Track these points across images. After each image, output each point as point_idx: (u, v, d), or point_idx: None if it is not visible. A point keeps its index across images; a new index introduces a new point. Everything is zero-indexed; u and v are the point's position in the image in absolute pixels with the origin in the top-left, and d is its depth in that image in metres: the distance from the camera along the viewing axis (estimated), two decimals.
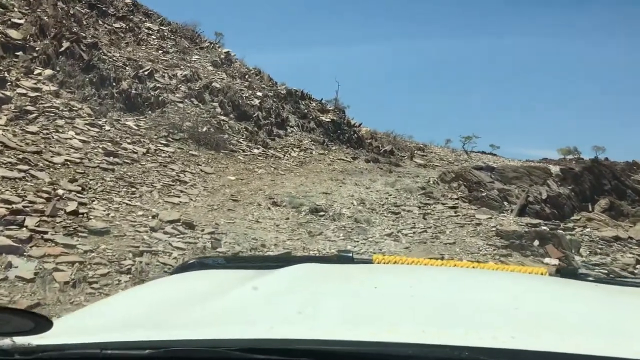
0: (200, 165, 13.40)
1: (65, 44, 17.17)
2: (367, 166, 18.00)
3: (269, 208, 10.62)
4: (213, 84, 20.14)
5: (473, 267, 1.99)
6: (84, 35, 18.66)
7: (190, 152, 14.28)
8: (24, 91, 14.32)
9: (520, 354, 1.01)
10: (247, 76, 23.20)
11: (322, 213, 10.60)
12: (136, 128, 14.90)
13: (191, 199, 10.22)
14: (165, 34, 24.66)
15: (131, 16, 22.87)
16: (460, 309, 1.32)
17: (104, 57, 18.19)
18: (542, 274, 1.90)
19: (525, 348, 1.02)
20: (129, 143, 13.37)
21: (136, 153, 12.84)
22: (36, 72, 15.71)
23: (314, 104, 21.63)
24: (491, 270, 2.09)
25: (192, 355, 1.04)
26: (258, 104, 19.44)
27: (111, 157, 11.84)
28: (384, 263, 1.96)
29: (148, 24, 24.52)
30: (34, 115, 13.24)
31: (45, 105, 14.00)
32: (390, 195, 12.65)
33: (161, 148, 13.80)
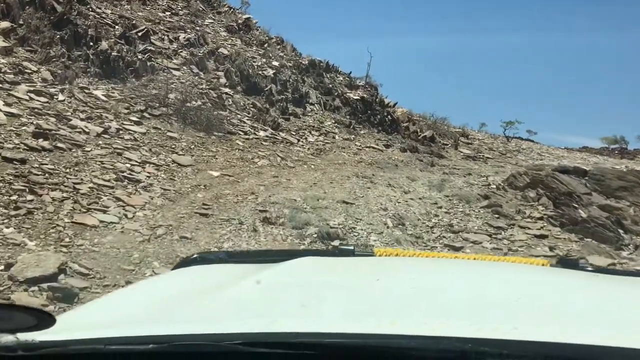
0: (176, 152, 9.14)
1: None
2: (403, 157, 13.58)
3: (255, 230, 6.37)
4: (220, 49, 15.80)
5: (474, 259, 1.94)
6: None
7: (169, 133, 10.03)
8: None
9: (523, 345, 0.95)
10: (266, 45, 18.76)
11: (337, 242, 6.30)
12: (104, 99, 10.70)
13: (126, 215, 6.02)
14: None
15: None
16: (462, 301, 1.24)
17: (87, 12, 13.94)
18: (543, 265, 1.82)
19: (527, 339, 0.97)
20: (82, 119, 9.18)
21: (87, 134, 8.65)
22: None
23: (341, 78, 17.17)
24: (493, 261, 1.91)
25: (196, 349, 0.97)
26: (272, 75, 15.05)
27: (40, 139, 7.67)
28: (386, 256, 1.84)
29: None
30: None
31: None
32: (440, 207, 8.26)
33: (127, 127, 9.58)
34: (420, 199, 8.62)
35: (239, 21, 20.20)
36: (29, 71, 10.68)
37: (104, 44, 12.95)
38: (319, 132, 13.72)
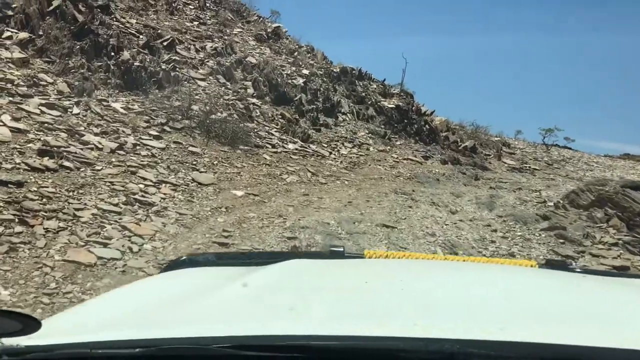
0: (197, 169, 8.19)
1: (56, 2, 12.28)
2: (445, 169, 12.42)
3: None
4: (248, 58, 14.92)
5: (464, 261, 1.92)
6: None
7: (191, 148, 9.10)
8: None
9: (510, 346, 0.95)
10: (295, 53, 17.84)
11: None
12: (123, 112, 9.85)
13: (131, 248, 5.05)
14: (207, 4, 19.38)
15: None
16: (450, 302, 1.23)
17: (110, 22, 13.20)
18: (531, 266, 1.80)
19: (514, 339, 0.97)
20: (96, 134, 8.31)
21: (100, 150, 7.78)
22: (5, 34, 10.90)
23: (375, 86, 16.10)
24: (481, 263, 1.91)
25: (184, 352, 0.96)
26: (302, 84, 14.07)
27: (45, 158, 6.81)
28: (376, 257, 1.81)
29: None
30: None
31: None
32: (495, 231, 7.10)
33: (145, 142, 8.69)
34: (470, 220, 7.47)
35: (268, 30, 19.36)
36: (44, 83, 9.91)
37: (126, 54, 12.16)
38: (352, 144, 12.66)
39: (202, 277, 1.59)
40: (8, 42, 10.64)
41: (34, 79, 9.74)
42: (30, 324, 0.91)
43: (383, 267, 1.70)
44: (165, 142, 9.03)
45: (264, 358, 0.94)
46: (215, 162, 8.86)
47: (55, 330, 1.07)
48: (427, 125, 15.14)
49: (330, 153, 11.62)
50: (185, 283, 1.54)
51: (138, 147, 8.44)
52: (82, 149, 7.74)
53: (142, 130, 9.17)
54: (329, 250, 1.87)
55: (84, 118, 8.89)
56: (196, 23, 17.23)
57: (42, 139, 7.48)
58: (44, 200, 5.62)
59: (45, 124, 8.05)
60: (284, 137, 11.52)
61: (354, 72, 16.08)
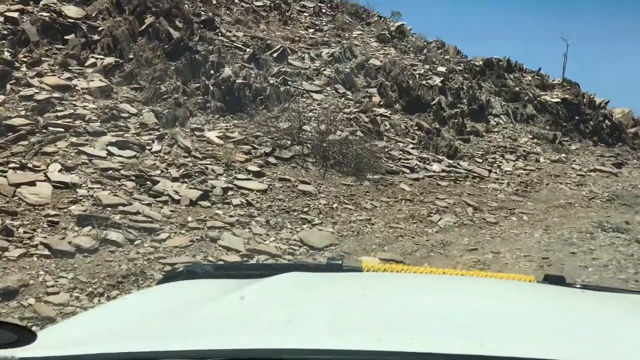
0: (309, 220, 5.42)
1: (149, 20, 10.27)
2: None
3: None
4: (370, 61, 12.02)
5: (462, 275, 1.78)
6: (196, 10, 11.70)
7: (302, 186, 6.37)
8: (35, 91, 7.57)
9: None
10: (425, 50, 14.64)
11: None
12: (219, 143, 7.39)
13: None
14: (323, 10, 16.77)
15: None
16: (448, 317, 1.18)
17: (213, 37, 10.97)
18: (530, 281, 1.70)
19: (512, 355, 0.93)
20: (175, 179, 5.87)
21: (175, 202, 5.29)
22: (89, 62, 8.99)
23: (529, 78, 12.45)
24: (480, 277, 1.80)
25: None
26: (439, 84, 10.87)
27: (86, 229, 4.39)
28: (374, 271, 1.70)
29: (303, 2, 16.79)
30: (20, 132, 6.37)
31: (61, 111, 7.11)
32: None
33: (241, 184, 6.12)
34: None
35: (391, 29, 16.37)
36: (126, 115, 7.74)
37: (227, 71, 9.79)
38: (515, 155, 9.24)
39: (198, 290, 1.48)
40: (89, 70, 8.67)
41: (113, 112, 7.60)
42: (26, 336, 0.87)
43: (381, 280, 1.59)
44: (268, 181, 6.37)
45: None
46: (334, 205, 6.03)
47: (50, 342, 1.02)
48: (606, 121, 11.21)
49: (490, 171, 8.34)
50: (182, 295, 1.44)
51: (230, 194, 5.85)
52: (149, 203, 5.27)
53: (239, 167, 6.59)
54: (327, 262, 1.76)
55: (165, 157, 6.50)
56: (311, 30, 14.66)
57: (93, 196, 5.11)
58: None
59: (109, 171, 5.73)
60: (425, 155, 8.43)
61: (501, 63, 12.55)
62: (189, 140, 7.39)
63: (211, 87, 9.36)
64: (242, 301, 1.24)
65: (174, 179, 5.95)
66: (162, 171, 6.08)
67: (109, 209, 4.94)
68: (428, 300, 1.33)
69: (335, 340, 0.99)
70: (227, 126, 8.41)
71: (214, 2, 13.08)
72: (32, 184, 5.12)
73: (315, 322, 1.12)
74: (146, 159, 6.36)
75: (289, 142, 7.70)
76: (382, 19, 17.81)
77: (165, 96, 8.94)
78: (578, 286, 1.69)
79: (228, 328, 1.12)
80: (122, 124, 7.39)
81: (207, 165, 6.48)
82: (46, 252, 4.00)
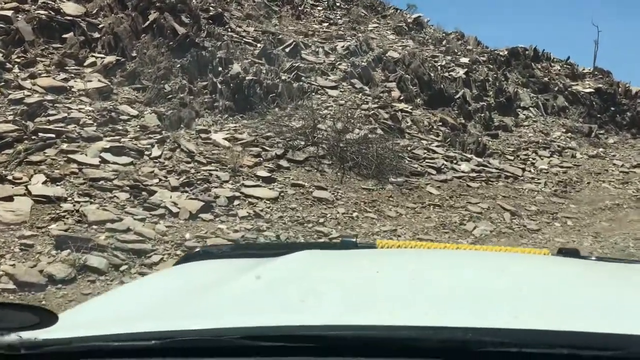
0: (326, 232, 4.62)
1: (153, 16, 9.57)
2: None
3: None
4: (388, 53, 11.20)
5: (475, 250, 1.83)
6: (205, 6, 10.99)
7: (317, 192, 5.61)
8: (27, 94, 6.90)
9: (524, 333, 0.88)
10: (444, 42, 13.76)
11: None
12: (226, 145, 6.65)
13: None
14: (337, 3, 15.95)
15: None
16: (462, 291, 1.14)
17: (221, 32, 10.24)
18: (544, 254, 1.65)
19: (527, 327, 0.89)
20: (174, 188, 5.14)
21: (174, 215, 4.56)
22: (88, 61, 8.32)
23: (558, 67, 11.52)
24: (493, 252, 1.77)
25: (198, 344, 0.92)
26: (463, 76, 10.01)
27: (64, 253, 3.65)
28: (388, 248, 1.69)
29: None
30: (5, 139, 5.70)
31: (54, 115, 6.43)
32: None
33: (249, 191, 5.39)
34: None
35: (408, 21, 15.50)
36: (126, 117, 7.04)
37: (236, 67, 9.05)
38: (549, 150, 8.36)
39: (214, 270, 1.47)
40: (88, 70, 7.99)
41: (112, 114, 6.90)
42: (48, 318, 0.87)
43: (395, 257, 1.57)
44: (279, 187, 5.61)
45: (277, 349, 0.88)
46: (354, 214, 5.24)
47: (71, 324, 1.00)
48: None
49: (524, 170, 7.47)
50: (198, 276, 1.43)
51: (236, 203, 5.11)
52: (143, 218, 4.55)
53: (248, 172, 5.84)
54: (341, 240, 1.73)
55: (165, 163, 5.77)
56: (325, 24, 13.86)
57: (80, 210, 4.40)
58: None
59: (100, 182, 5.02)
60: (451, 154, 7.60)
61: (527, 52, 11.62)
62: (193, 144, 6.66)
63: (219, 85, 8.63)
64: (257, 280, 1.24)
65: (174, 189, 5.22)
66: (160, 180, 5.35)
67: (95, 226, 4.22)
68: (442, 275, 1.30)
69: (350, 316, 0.98)
70: (235, 127, 7.67)
71: None
72: (9, 199, 4.42)
73: (331, 299, 1.11)
74: (144, 166, 5.64)
75: (302, 143, 6.93)
76: (398, 11, 16.93)
77: (169, 96, 8.23)
78: (593, 258, 1.65)
79: (244, 307, 1.10)
80: (120, 128, 6.69)
81: (212, 172, 5.74)
82: (10, 285, 3.28)
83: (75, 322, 1.05)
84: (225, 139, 6.99)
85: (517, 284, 1.22)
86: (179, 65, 8.87)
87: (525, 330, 0.88)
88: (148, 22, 9.50)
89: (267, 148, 6.75)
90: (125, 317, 1.09)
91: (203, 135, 7.02)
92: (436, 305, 1.04)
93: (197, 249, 1.84)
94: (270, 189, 5.58)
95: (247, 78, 8.85)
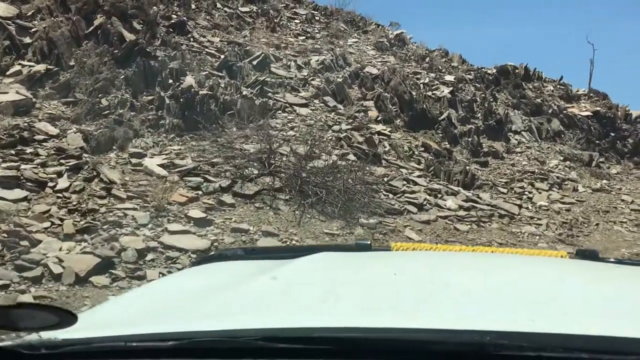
0: None
1: (99, 20, 8.18)
2: None
3: None
4: (366, 69, 9.92)
5: (492, 252, 1.76)
6: (167, 14, 9.65)
7: (261, 235, 4.14)
8: None
9: (542, 337, 0.85)
10: (427, 59, 12.53)
11: None
12: (158, 174, 5.24)
13: None
14: (317, 17, 14.68)
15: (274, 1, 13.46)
16: (479, 294, 1.12)
17: (179, 42, 8.88)
18: (562, 256, 1.64)
19: (545, 331, 0.87)
20: (66, 236, 3.68)
21: (44, 281, 3.08)
22: (13, 69, 6.92)
23: (551, 88, 10.31)
24: (511, 254, 1.75)
25: (215, 345, 0.91)
26: (448, 95, 8.74)
27: None
28: (403, 250, 1.68)
29: (295, 10, 14.70)
30: None
31: None
32: None
33: (170, 242, 3.91)
34: None
35: (390, 37, 14.31)
36: (41, 137, 5.61)
37: (189, 79, 7.69)
38: (547, 183, 7.07)
39: (231, 271, 1.47)
40: (9, 80, 6.57)
41: (23, 133, 5.46)
42: (67, 318, 0.86)
43: (411, 259, 1.56)
44: (215, 233, 4.22)
45: (295, 350, 0.87)
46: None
47: (91, 324, 1.01)
48: None
49: (520, 207, 6.16)
50: (215, 277, 1.42)
51: (148, 258, 3.70)
52: (6, 284, 3.11)
53: (177, 211, 4.43)
54: (356, 243, 1.76)
55: (70, 199, 4.35)
56: (302, 38, 12.56)
57: None
58: None
59: None
60: (435, 186, 6.26)
61: (517, 71, 10.41)
62: (118, 171, 5.24)
63: (167, 100, 7.23)
64: (274, 281, 1.22)
65: (66, 236, 3.79)
66: (52, 224, 3.93)
67: None
68: (459, 277, 1.27)
69: (367, 318, 0.96)
70: (179, 149, 6.27)
71: (193, 6, 11.02)
72: None
73: (347, 301, 1.09)
74: (39, 204, 4.21)
75: (256, 172, 5.54)
76: (380, 27, 15.77)
77: (106, 112, 6.83)
78: (612, 260, 1.61)
79: (261, 308, 1.10)
80: (29, 151, 5.26)
81: (129, 211, 4.32)
82: None
83: (94, 323, 1.05)
84: (162, 165, 5.59)
85: (535, 286, 1.17)
86: (122, 77, 7.48)
87: (544, 333, 0.86)
88: (92, 28, 8.10)
89: (211, 178, 5.35)
90: (142, 318, 1.09)
91: (134, 161, 5.61)
92: (453, 308, 1.02)
93: (212, 252, 1.22)
94: (201, 235, 4.18)
95: (200, 92, 7.48)
